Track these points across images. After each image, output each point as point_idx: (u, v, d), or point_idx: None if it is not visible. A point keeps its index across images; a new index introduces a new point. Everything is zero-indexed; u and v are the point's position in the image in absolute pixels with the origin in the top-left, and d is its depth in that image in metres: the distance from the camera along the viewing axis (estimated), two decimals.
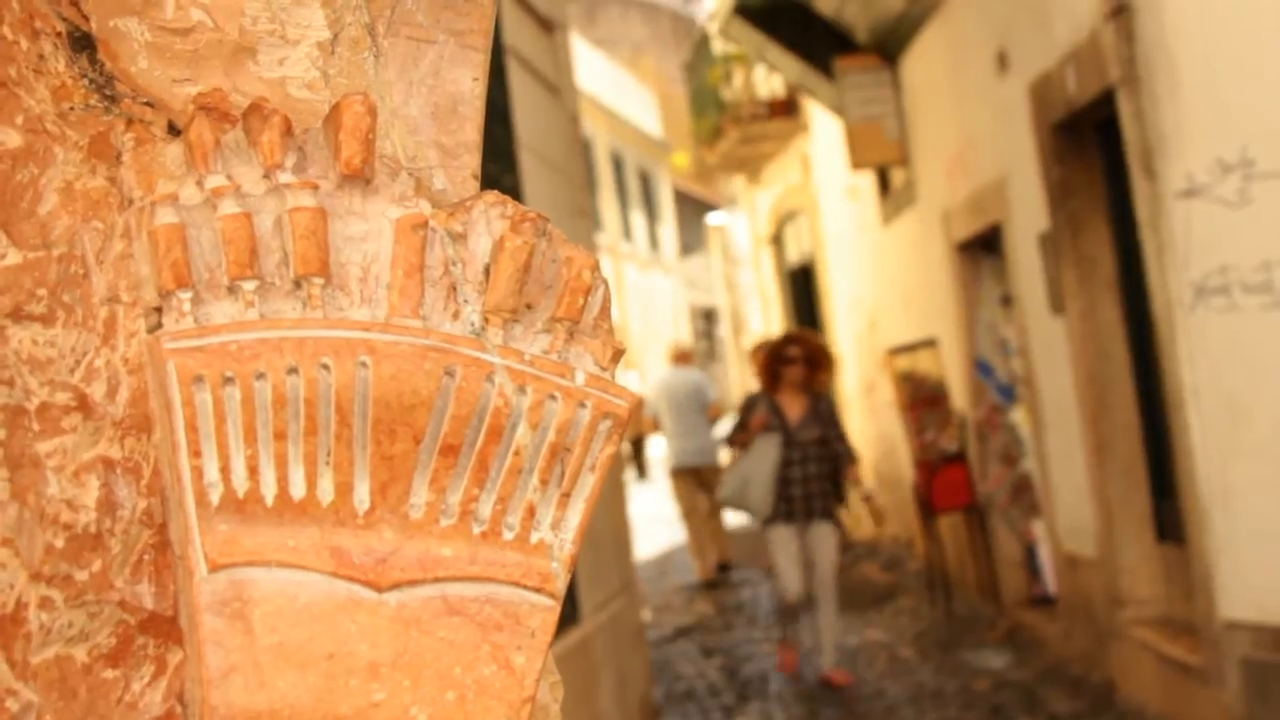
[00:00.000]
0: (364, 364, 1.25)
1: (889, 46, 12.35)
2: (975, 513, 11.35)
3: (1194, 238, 6.76)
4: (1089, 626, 9.05)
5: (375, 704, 1.26)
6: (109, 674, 1.24)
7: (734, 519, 18.04)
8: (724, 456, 14.75)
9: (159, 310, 1.27)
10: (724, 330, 35.93)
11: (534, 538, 1.32)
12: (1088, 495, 8.84)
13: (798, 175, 17.83)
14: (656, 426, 15.66)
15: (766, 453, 9.44)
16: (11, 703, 1.17)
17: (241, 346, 1.23)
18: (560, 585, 1.32)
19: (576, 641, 7.31)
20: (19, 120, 1.23)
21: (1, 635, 1.17)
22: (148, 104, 1.32)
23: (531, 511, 1.31)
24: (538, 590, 1.31)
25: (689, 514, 14.72)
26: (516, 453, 1.30)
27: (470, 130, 1.47)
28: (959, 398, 11.65)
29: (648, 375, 27.50)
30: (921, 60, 11.75)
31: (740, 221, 26.94)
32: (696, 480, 14.53)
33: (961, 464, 11.36)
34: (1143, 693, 8.12)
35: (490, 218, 1.32)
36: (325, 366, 1.24)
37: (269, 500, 1.24)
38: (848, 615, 11.80)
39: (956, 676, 9.56)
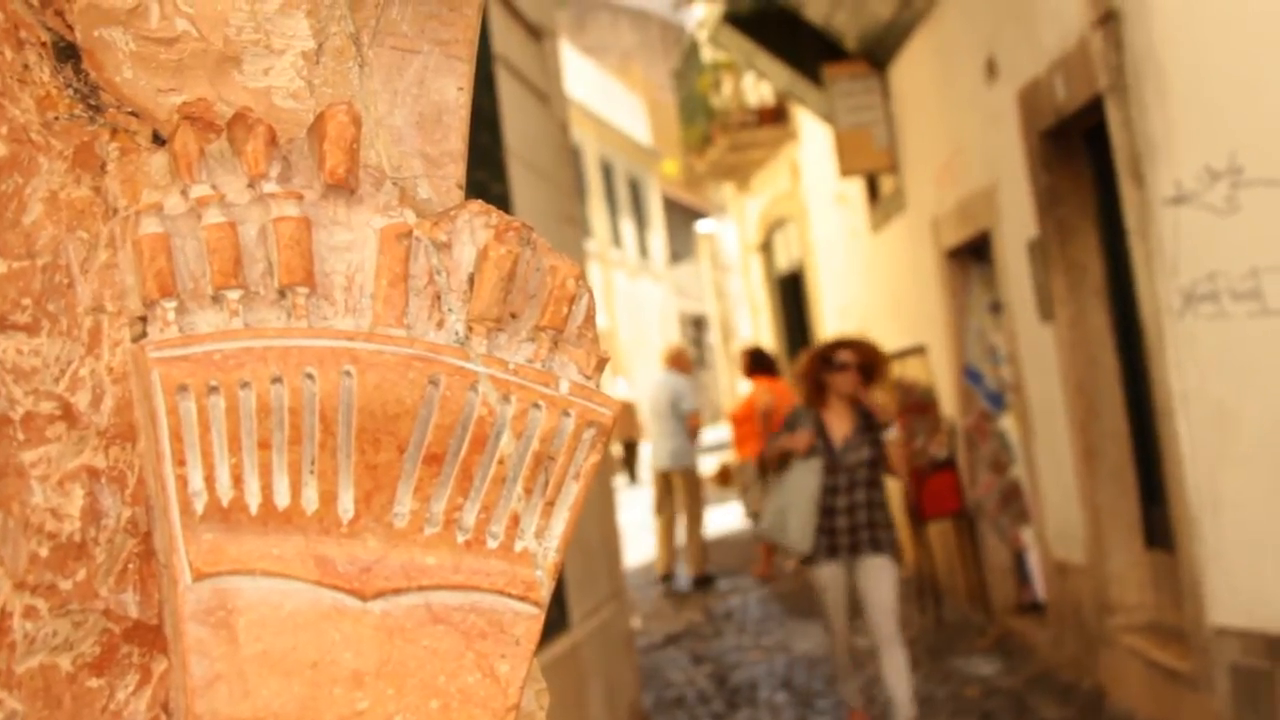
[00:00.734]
0: (348, 373, 1.25)
1: (878, 54, 12.36)
2: (964, 519, 11.35)
3: (1182, 245, 6.77)
4: (1078, 633, 9.05)
5: (359, 712, 1.26)
6: (94, 683, 1.24)
7: (715, 527, 18.05)
8: (694, 460, 14.80)
9: (143, 319, 1.27)
10: (713, 337, 35.94)
11: (518, 546, 1.32)
12: (1077, 502, 8.84)
13: (787, 183, 17.85)
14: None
15: (805, 481, 8.01)
16: None
17: (226, 356, 1.23)
18: (545, 594, 1.33)
19: (566, 649, 7.31)
20: (3, 130, 1.23)
21: None
22: (133, 114, 1.33)
23: (516, 520, 1.32)
24: (522, 599, 1.31)
25: (657, 512, 14.97)
26: (500, 461, 1.30)
27: (455, 140, 1.47)
28: (948, 405, 11.66)
29: (636, 382, 27.52)
30: (910, 68, 11.76)
31: (729, 229, 26.94)
32: (666, 483, 14.60)
33: (951, 471, 11.36)
34: (1132, 699, 8.12)
35: (474, 227, 1.32)
36: (310, 376, 1.24)
37: (253, 509, 1.24)
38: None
39: (946, 683, 9.56)
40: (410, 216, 1.30)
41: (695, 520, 14.73)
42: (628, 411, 23.31)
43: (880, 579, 8.03)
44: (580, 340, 1.36)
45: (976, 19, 9.66)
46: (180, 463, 1.23)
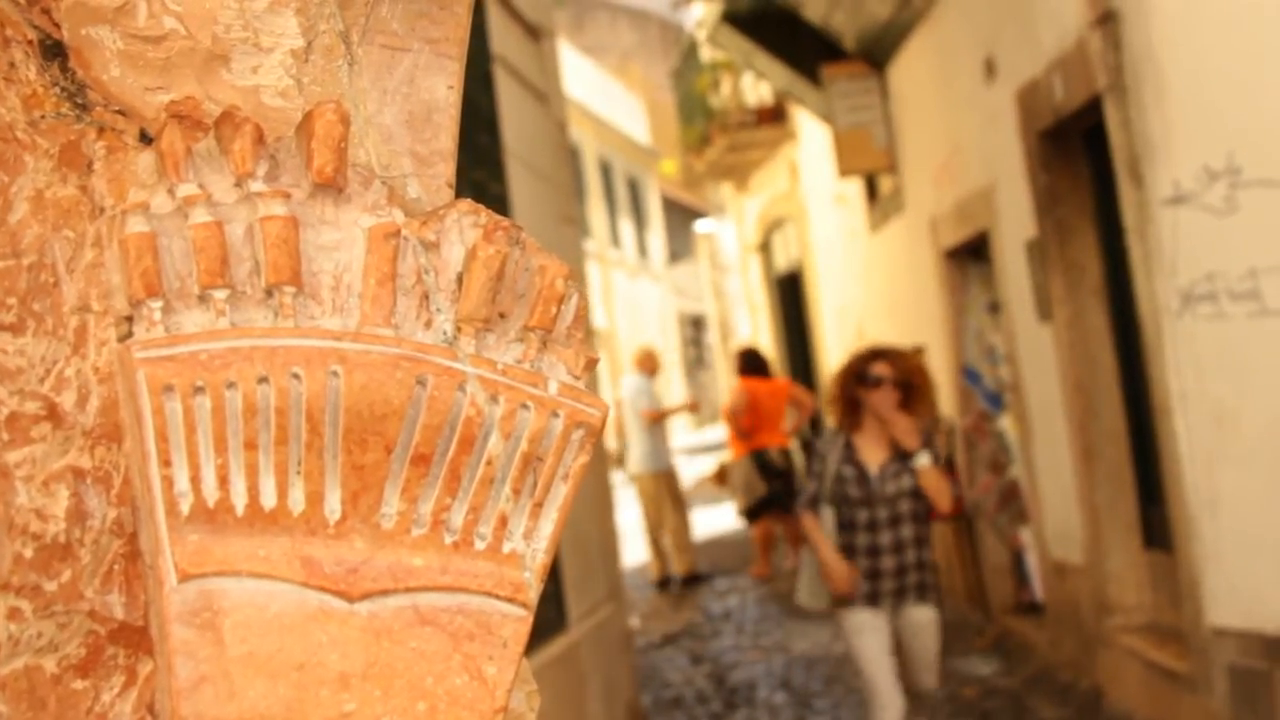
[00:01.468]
0: (335, 373, 1.24)
1: (876, 54, 12.36)
2: (963, 520, 11.35)
3: (1181, 245, 6.77)
4: (1076, 633, 9.05)
5: (346, 714, 1.25)
6: (79, 684, 1.23)
7: (712, 526, 18.06)
8: (668, 461, 14.82)
9: (130, 319, 1.26)
10: (712, 337, 35.93)
11: (506, 547, 1.31)
12: (1075, 502, 8.84)
13: (785, 183, 17.84)
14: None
15: (825, 524, 6.92)
16: None
17: (212, 355, 1.23)
18: (533, 595, 1.32)
19: (563, 649, 7.30)
20: None
21: None
22: (120, 112, 1.32)
23: (504, 521, 1.31)
24: (510, 600, 1.30)
25: (644, 517, 15.05)
26: (489, 462, 1.30)
27: (445, 138, 1.46)
28: (946, 405, 11.65)
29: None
30: (909, 68, 11.75)
31: (728, 229, 26.95)
32: (645, 487, 14.64)
33: (949, 471, 11.36)
34: (1130, 700, 8.12)
35: (463, 226, 1.31)
36: (296, 376, 1.24)
37: (240, 510, 1.23)
38: (835, 623, 11.78)
39: (944, 683, 9.55)
40: (398, 216, 1.30)
41: (677, 519, 14.72)
42: None
43: (928, 635, 7.17)
44: (569, 340, 1.35)
45: (975, 19, 9.66)
46: (166, 463, 1.23)
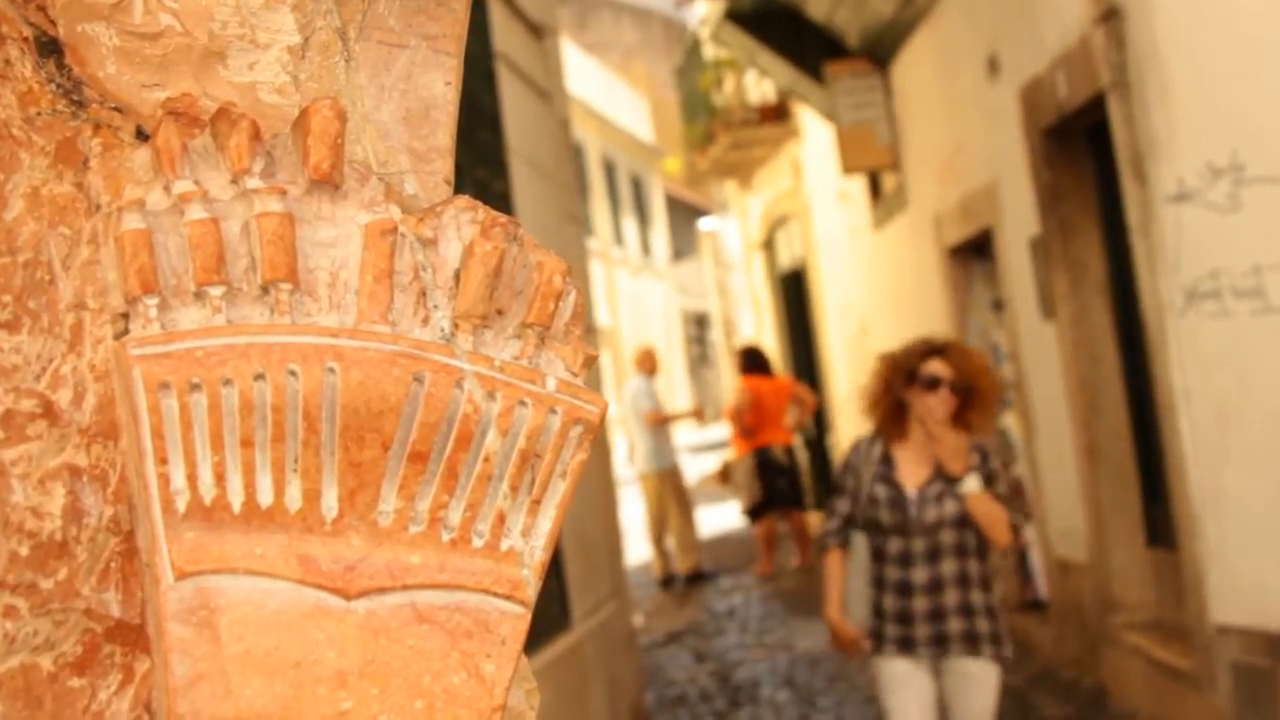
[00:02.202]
0: (332, 370, 1.24)
1: (880, 51, 12.35)
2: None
3: (1185, 242, 6.76)
4: (1080, 631, 9.04)
5: (343, 712, 1.25)
6: (75, 683, 1.23)
7: (716, 525, 18.05)
8: (672, 460, 14.81)
9: (126, 316, 1.26)
10: (715, 335, 35.93)
11: (504, 545, 1.31)
12: (1079, 500, 8.83)
13: (789, 180, 17.83)
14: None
15: (859, 554, 5.87)
16: None
17: (208, 353, 1.22)
18: (531, 593, 1.31)
19: (568, 647, 7.30)
20: None
21: None
22: (116, 109, 1.32)
23: (501, 519, 1.31)
24: (507, 598, 1.30)
25: (647, 516, 15.08)
26: (486, 459, 1.29)
27: (442, 135, 1.46)
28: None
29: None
30: (912, 65, 11.75)
31: (732, 227, 26.92)
32: (649, 486, 14.67)
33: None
34: (1134, 697, 8.11)
35: (460, 223, 1.31)
36: (293, 373, 1.23)
37: (236, 507, 1.23)
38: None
39: None
40: (395, 212, 1.29)
41: (681, 518, 14.72)
42: None
43: (977, 693, 5.86)
44: (567, 337, 1.35)
45: (978, 16, 9.65)
46: (162, 461, 1.22)
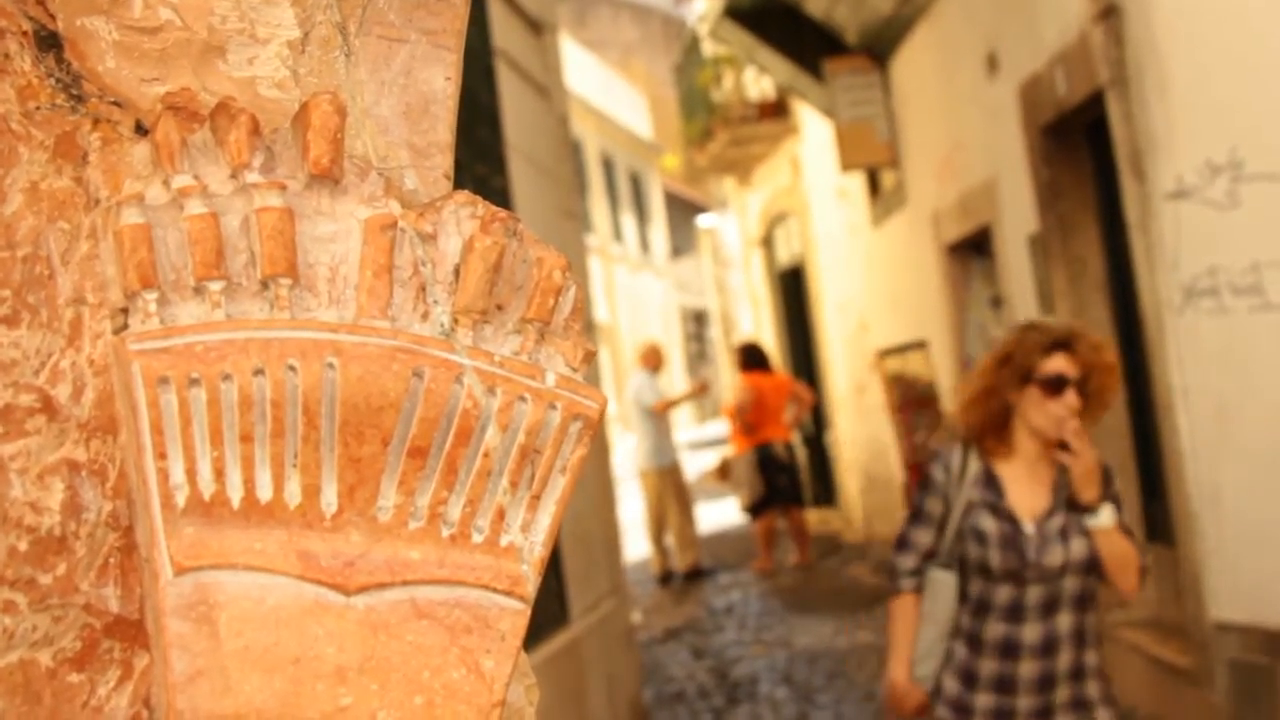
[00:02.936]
0: (331, 365, 1.24)
1: (879, 48, 12.35)
2: None
3: (1183, 239, 6.76)
4: None
5: (342, 708, 1.25)
6: (74, 678, 1.23)
7: (714, 522, 18.05)
8: (673, 457, 14.81)
9: (125, 311, 1.25)
10: (714, 332, 35.94)
11: (504, 540, 1.31)
12: None
13: (788, 177, 17.83)
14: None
15: (938, 598, 4.55)
16: None
17: (208, 347, 1.22)
18: (530, 588, 1.31)
19: (566, 643, 7.30)
20: None
21: None
22: (115, 103, 1.31)
23: (501, 514, 1.30)
24: (507, 593, 1.30)
25: (647, 513, 15.08)
26: (486, 455, 1.29)
27: (442, 130, 1.46)
28: (949, 399, 11.64)
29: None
30: (911, 62, 11.75)
31: (730, 223, 26.93)
32: (649, 483, 14.68)
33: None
34: (1132, 694, 8.11)
35: (460, 218, 1.31)
36: (292, 368, 1.23)
37: (235, 503, 1.23)
38: (838, 617, 11.80)
39: None
40: (395, 207, 1.29)
41: (681, 515, 14.73)
42: None
43: None
44: (567, 332, 1.35)
45: (977, 13, 9.65)
46: (161, 456, 1.22)
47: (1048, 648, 4.42)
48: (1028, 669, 4.43)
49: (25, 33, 1.29)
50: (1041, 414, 4.41)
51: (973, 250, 11.04)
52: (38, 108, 1.27)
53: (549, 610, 7.01)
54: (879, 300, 14.29)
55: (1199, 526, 6.90)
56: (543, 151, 8.56)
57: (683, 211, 39.86)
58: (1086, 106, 7.84)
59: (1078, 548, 4.42)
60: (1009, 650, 4.44)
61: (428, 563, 1.27)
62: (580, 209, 11.95)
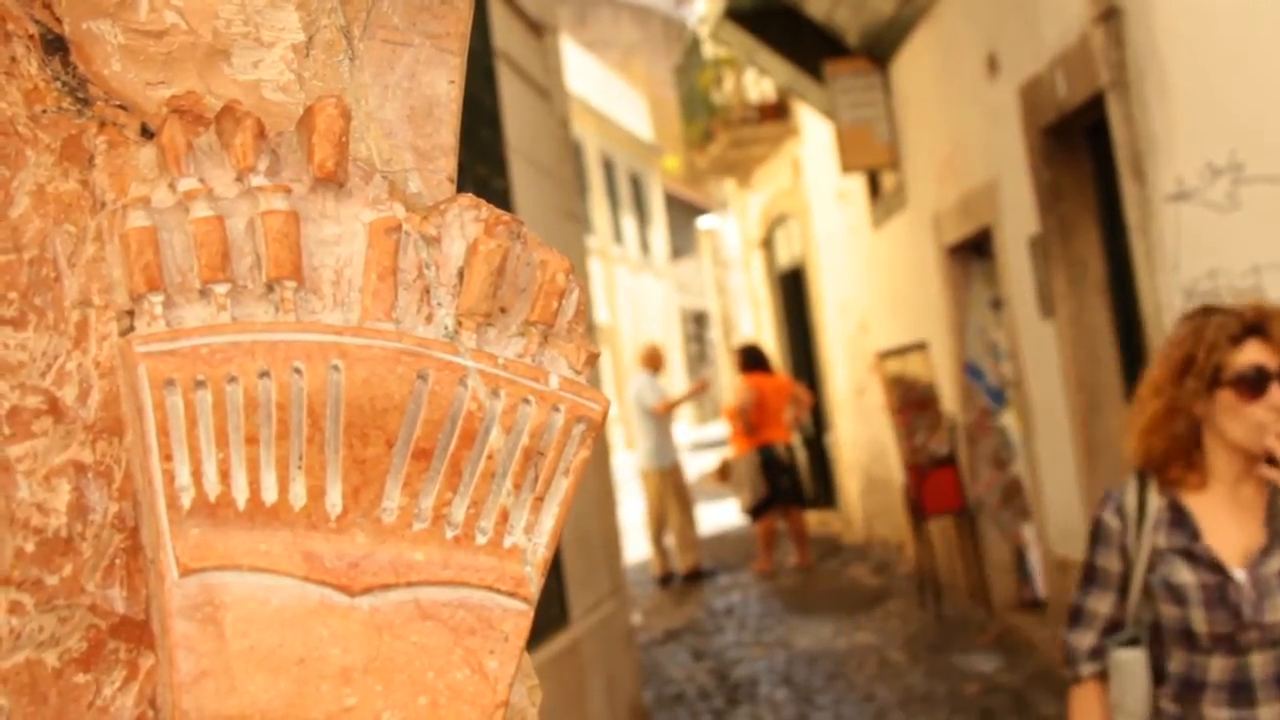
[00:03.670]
0: (336, 367, 1.24)
1: (879, 50, 12.35)
2: (965, 516, 11.35)
3: (1184, 241, 6.76)
4: None
5: (347, 709, 1.25)
6: (80, 679, 1.23)
7: (715, 523, 18.06)
8: (674, 457, 14.81)
9: (131, 313, 1.26)
10: (714, 334, 35.93)
11: (507, 542, 1.31)
12: (1078, 498, 8.84)
13: (788, 179, 17.84)
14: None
15: (1127, 684, 3.54)
16: None
17: (213, 350, 1.23)
18: (534, 589, 1.32)
19: (566, 644, 7.31)
20: None
21: None
22: (121, 107, 1.32)
23: (505, 515, 1.31)
24: (511, 594, 1.31)
25: (647, 514, 15.10)
26: (490, 456, 1.30)
27: (446, 133, 1.46)
28: (949, 401, 11.65)
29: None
30: (912, 64, 11.75)
31: (731, 225, 26.93)
32: (650, 484, 14.68)
33: (952, 467, 11.36)
34: None
35: (464, 221, 1.31)
36: (297, 370, 1.24)
37: (241, 504, 1.24)
38: (838, 618, 11.80)
39: (946, 680, 9.56)
40: (399, 210, 1.30)
41: (681, 516, 14.74)
42: None
43: None
44: (570, 335, 1.35)
45: (978, 15, 9.65)
46: (167, 457, 1.23)
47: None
48: None
49: (32, 36, 1.29)
50: (1240, 422, 3.38)
51: (973, 252, 11.05)
52: (44, 111, 1.27)
53: (549, 612, 7.01)
54: (879, 302, 14.30)
55: None
56: (543, 153, 8.57)
57: (683, 213, 39.87)
58: (1087, 108, 7.85)
59: None
60: None
61: (432, 564, 1.28)
62: (581, 210, 11.97)
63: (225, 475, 1.24)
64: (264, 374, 1.23)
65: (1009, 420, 10.98)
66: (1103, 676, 3.62)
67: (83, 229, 1.27)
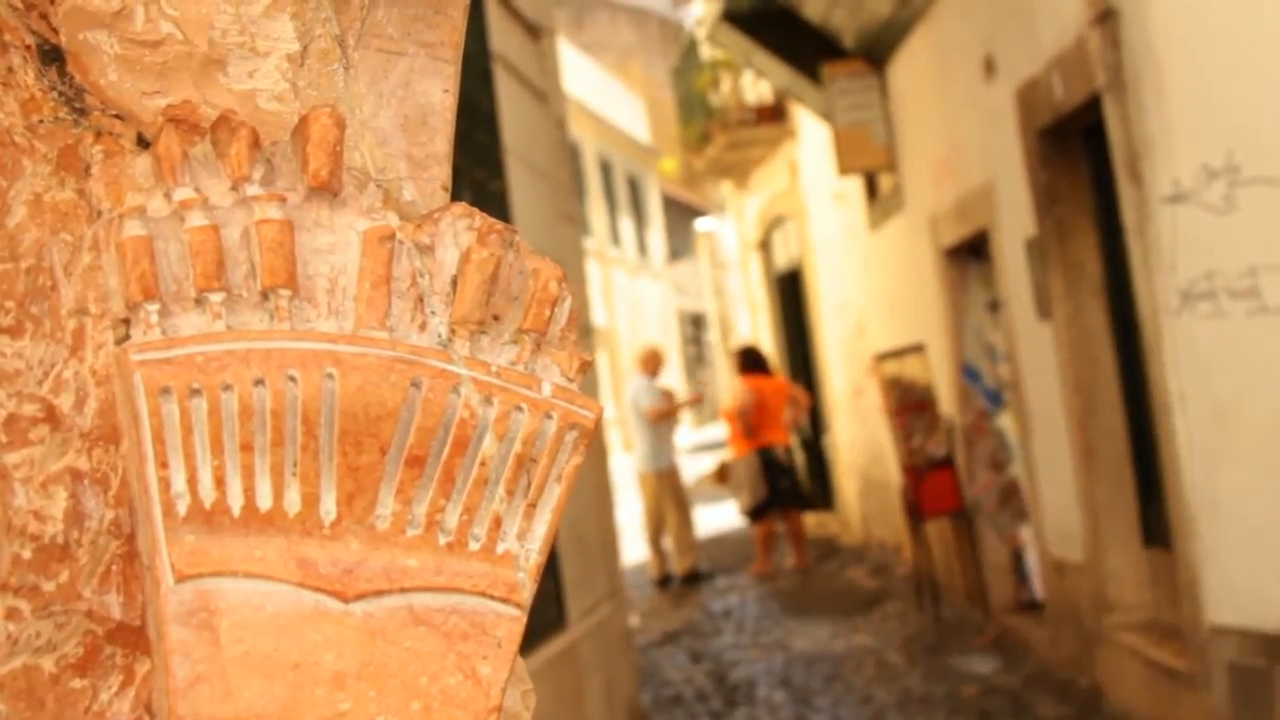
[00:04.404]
0: (330, 375, 1.25)
1: (876, 52, 12.36)
2: (963, 518, 11.36)
3: (1180, 243, 6.77)
4: (1076, 631, 9.05)
5: (341, 714, 1.26)
6: (77, 684, 1.24)
7: (713, 525, 18.06)
8: (671, 460, 14.81)
9: (127, 322, 1.27)
10: (712, 335, 35.94)
11: (500, 548, 1.32)
12: (1075, 500, 8.84)
13: (785, 181, 17.84)
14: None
15: None
16: None
17: (208, 358, 1.24)
18: (527, 595, 1.33)
19: (564, 647, 7.31)
20: None
21: None
22: (117, 116, 1.33)
23: (498, 522, 1.32)
24: (504, 600, 1.31)
25: (644, 516, 15.11)
26: (483, 464, 1.31)
27: (440, 142, 1.47)
28: (946, 403, 11.66)
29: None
30: (909, 66, 11.76)
31: (728, 227, 26.94)
32: (648, 486, 14.68)
33: (949, 469, 11.37)
34: (1130, 698, 8.12)
35: (457, 229, 1.32)
36: (292, 378, 1.25)
37: (236, 511, 1.24)
38: (835, 620, 11.81)
39: (944, 682, 9.56)
40: (393, 219, 1.31)
41: (679, 518, 14.74)
42: None
43: None
44: (562, 343, 1.36)
45: (974, 17, 9.66)
46: (163, 465, 1.24)
47: None
48: None
49: (29, 47, 1.30)
50: None
51: (970, 254, 11.06)
52: (41, 121, 1.28)
53: (546, 614, 7.02)
54: (876, 304, 14.30)
55: (1196, 530, 6.91)
56: (540, 155, 8.57)
57: (680, 215, 39.87)
58: (1083, 110, 7.86)
59: None
60: None
61: (425, 570, 1.29)
62: (578, 213, 11.98)
63: (220, 482, 1.24)
64: (259, 382, 1.24)
65: (1006, 422, 10.99)
66: None
67: (79, 238, 1.28)
